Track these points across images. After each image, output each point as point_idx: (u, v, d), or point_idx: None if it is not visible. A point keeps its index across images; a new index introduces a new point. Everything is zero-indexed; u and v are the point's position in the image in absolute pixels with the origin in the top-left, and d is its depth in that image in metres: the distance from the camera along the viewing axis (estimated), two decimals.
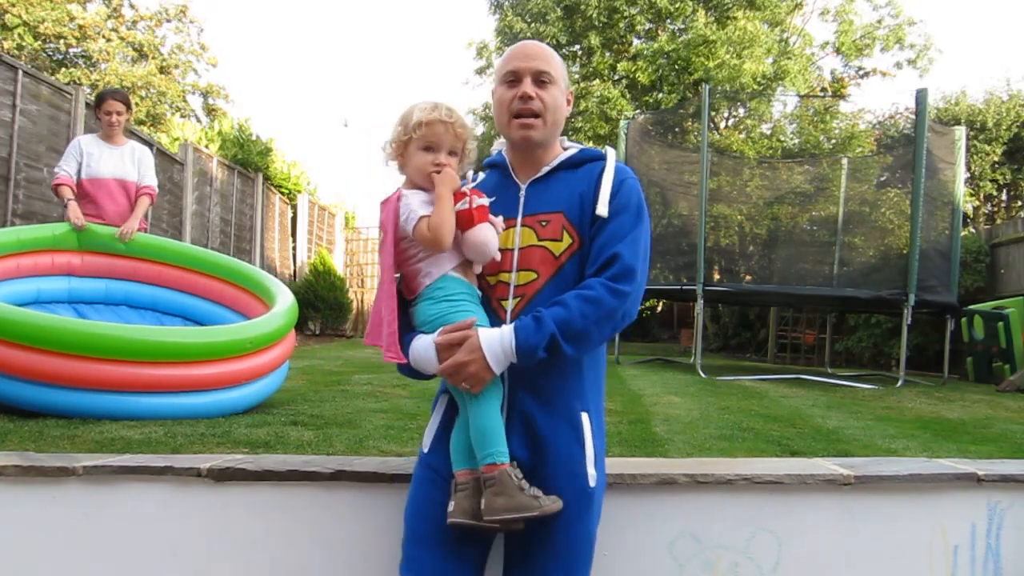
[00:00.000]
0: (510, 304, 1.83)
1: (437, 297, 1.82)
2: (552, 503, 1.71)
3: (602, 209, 1.82)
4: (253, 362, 4.17)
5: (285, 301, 4.66)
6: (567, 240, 1.84)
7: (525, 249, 1.85)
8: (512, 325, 1.75)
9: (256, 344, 4.20)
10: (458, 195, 1.82)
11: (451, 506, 1.74)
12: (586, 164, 1.91)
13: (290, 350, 4.68)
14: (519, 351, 1.72)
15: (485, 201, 1.83)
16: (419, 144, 1.85)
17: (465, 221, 1.80)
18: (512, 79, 1.85)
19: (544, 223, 1.85)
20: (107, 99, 5.31)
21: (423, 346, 1.79)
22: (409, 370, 1.87)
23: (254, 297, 5.04)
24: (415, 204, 1.82)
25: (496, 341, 1.72)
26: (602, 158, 1.92)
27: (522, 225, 1.87)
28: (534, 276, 1.83)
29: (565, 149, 1.95)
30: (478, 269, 1.87)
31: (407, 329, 1.86)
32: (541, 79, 1.84)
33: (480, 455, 1.74)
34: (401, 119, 1.88)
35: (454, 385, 1.78)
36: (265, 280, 5.16)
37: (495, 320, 1.83)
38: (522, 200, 1.89)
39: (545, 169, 1.91)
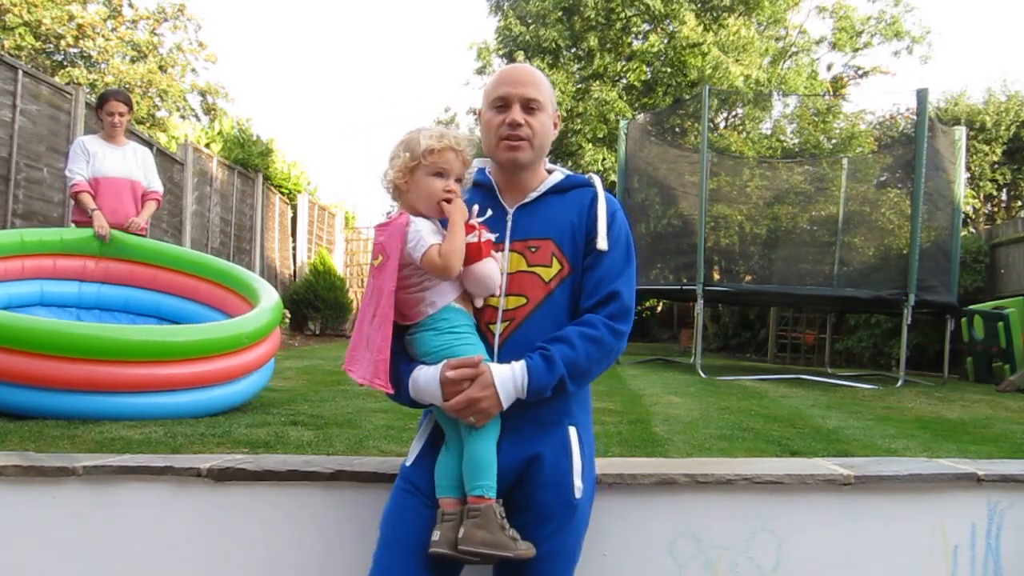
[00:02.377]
0: (498, 328, 1.85)
1: (441, 328, 1.81)
2: (527, 550, 1.73)
3: (602, 243, 1.87)
4: (246, 357, 4.19)
5: (271, 296, 4.67)
6: (556, 266, 1.86)
7: (514, 275, 1.86)
8: (523, 364, 1.76)
9: (251, 339, 4.21)
10: (468, 227, 1.81)
11: (436, 535, 1.74)
12: (574, 190, 1.94)
13: (277, 346, 4.72)
14: (531, 390, 1.75)
15: (492, 236, 1.84)
16: (429, 170, 1.82)
17: (473, 254, 1.79)
18: (501, 104, 1.87)
19: (533, 249, 1.88)
20: (110, 99, 5.31)
21: (426, 379, 1.79)
22: (398, 396, 1.86)
23: (231, 292, 5.03)
24: (425, 231, 1.79)
25: (509, 379, 1.75)
26: (589, 185, 1.95)
27: (510, 250, 1.88)
28: (524, 301, 1.85)
29: (549, 173, 1.98)
30: (479, 303, 1.86)
31: (398, 358, 1.84)
32: (530, 106, 1.86)
33: (470, 485, 1.75)
34: (406, 145, 1.85)
35: (460, 418, 1.78)
36: (243, 275, 5.15)
37: (484, 343, 1.84)
38: (510, 225, 1.90)
39: (533, 195, 1.93)
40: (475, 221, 1.84)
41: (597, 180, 1.98)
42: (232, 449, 3.00)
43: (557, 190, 1.94)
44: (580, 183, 1.96)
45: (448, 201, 1.82)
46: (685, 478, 2.28)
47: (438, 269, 1.77)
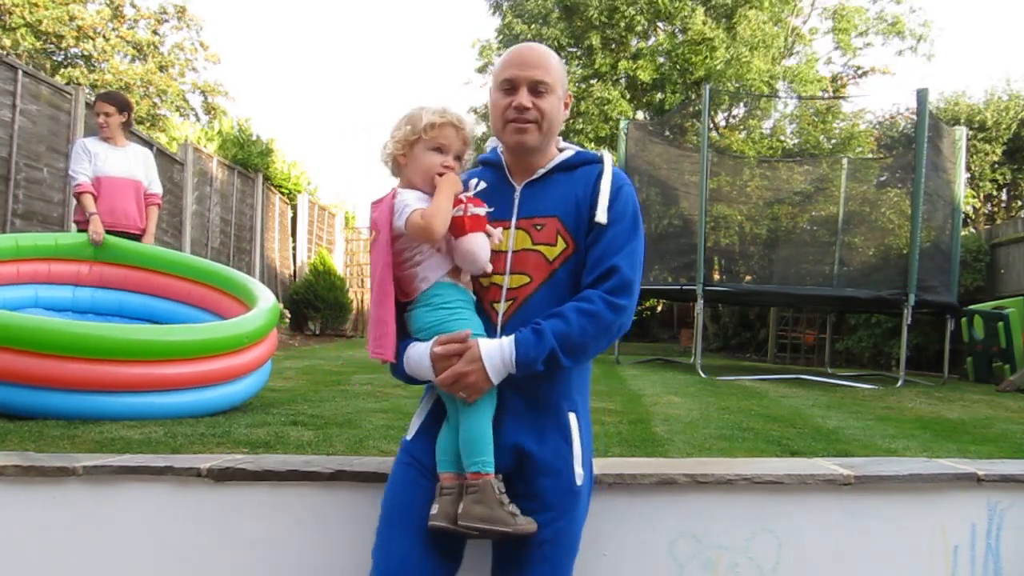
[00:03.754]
0: (502, 307, 1.84)
1: (434, 304, 1.82)
2: (527, 524, 1.72)
3: (601, 216, 1.82)
4: (245, 357, 4.19)
5: (268, 298, 4.68)
6: (561, 245, 1.84)
7: (519, 252, 1.84)
8: (512, 337, 1.75)
9: (251, 338, 4.22)
10: (455, 201, 1.80)
11: (435, 508, 1.75)
12: (582, 167, 1.91)
13: (274, 346, 4.74)
14: (519, 363, 1.73)
15: (482, 211, 1.81)
16: (428, 145, 1.84)
17: (456, 228, 1.78)
18: (508, 87, 1.84)
19: (539, 227, 1.85)
20: (96, 101, 5.38)
21: (418, 354, 1.80)
22: (401, 373, 1.88)
23: (225, 295, 5.03)
24: (410, 200, 1.81)
25: (496, 353, 1.73)
26: (599, 161, 1.92)
27: (516, 228, 1.86)
28: (527, 280, 1.84)
29: (561, 151, 1.94)
30: (466, 278, 1.86)
31: (403, 333, 1.86)
32: (538, 88, 1.82)
33: (467, 462, 1.76)
34: (408, 119, 1.86)
35: (451, 393, 1.78)
36: (238, 277, 5.16)
37: (487, 322, 1.83)
38: (517, 202, 1.88)
39: (540, 172, 1.90)
40: (464, 195, 1.82)
41: (607, 156, 1.95)
42: (232, 449, 3.00)
43: (565, 167, 1.91)
44: (589, 159, 1.93)
45: (442, 175, 1.82)
46: (685, 478, 2.28)
47: (420, 230, 1.76)
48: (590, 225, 1.84)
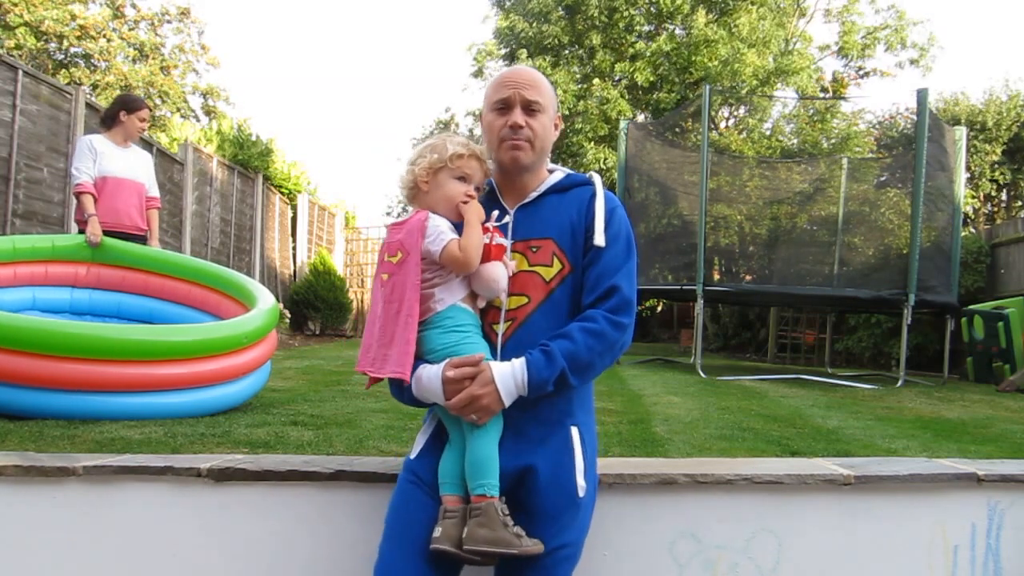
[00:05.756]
0: (501, 327, 1.87)
1: (447, 327, 1.85)
2: (534, 546, 1.74)
3: (599, 239, 1.88)
4: (245, 357, 4.20)
5: (267, 299, 4.68)
6: (557, 266, 1.89)
7: (517, 274, 1.89)
8: (523, 360, 1.78)
9: (251, 339, 4.22)
10: (483, 228, 1.86)
11: (437, 531, 1.76)
12: (573, 189, 1.96)
13: (274, 347, 4.74)
14: (531, 385, 1.77)
15: (505, 242, 1.88)
16: (453, 174, 1.90)
17: (484, 255, 1.84)
18: (502, 107, 1.90)
19: (535, 248, 1.90)
20: (143, 108, 5.40)
21: (429, 377, 1.82)
22: (402, 395, 1.89)
23: (224, 296, 5.03)
24: (444, 227, 1.86)
25: (509, 376, 1.77)
26: (589, 183, 1.97)
27: (512, 251, 1.90)
28: (525, 300, 1.88)
29: (550, 172, 2.00)
30: (482, 304, 1.90)
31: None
32: (531, 108, 1.89)
33: (472, 484, 1.78)
34: (433, 148, 1.92)
35: (462, 416, 1.80)
36: (236, 279, 5.16)
37: (487, 343, 1.87)
38: (511, 225, 1.93)
39: (533, 195, 1.95)
40: (490, 224, 1.89)
41: (597, 178, 1.99)
42: (232, 449, 3.00)
43: (557, 189, 1.96)
44: (580, 182, 1.98)
45: (466, 203, 1.88)
46: (685, 478, 2.28)
47: (458, 263, 1.82)
48: (586, 247, 1.89)
